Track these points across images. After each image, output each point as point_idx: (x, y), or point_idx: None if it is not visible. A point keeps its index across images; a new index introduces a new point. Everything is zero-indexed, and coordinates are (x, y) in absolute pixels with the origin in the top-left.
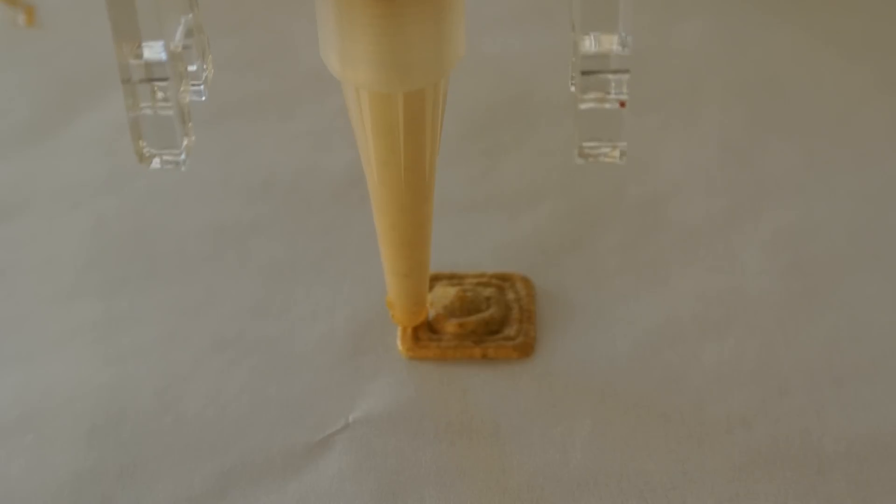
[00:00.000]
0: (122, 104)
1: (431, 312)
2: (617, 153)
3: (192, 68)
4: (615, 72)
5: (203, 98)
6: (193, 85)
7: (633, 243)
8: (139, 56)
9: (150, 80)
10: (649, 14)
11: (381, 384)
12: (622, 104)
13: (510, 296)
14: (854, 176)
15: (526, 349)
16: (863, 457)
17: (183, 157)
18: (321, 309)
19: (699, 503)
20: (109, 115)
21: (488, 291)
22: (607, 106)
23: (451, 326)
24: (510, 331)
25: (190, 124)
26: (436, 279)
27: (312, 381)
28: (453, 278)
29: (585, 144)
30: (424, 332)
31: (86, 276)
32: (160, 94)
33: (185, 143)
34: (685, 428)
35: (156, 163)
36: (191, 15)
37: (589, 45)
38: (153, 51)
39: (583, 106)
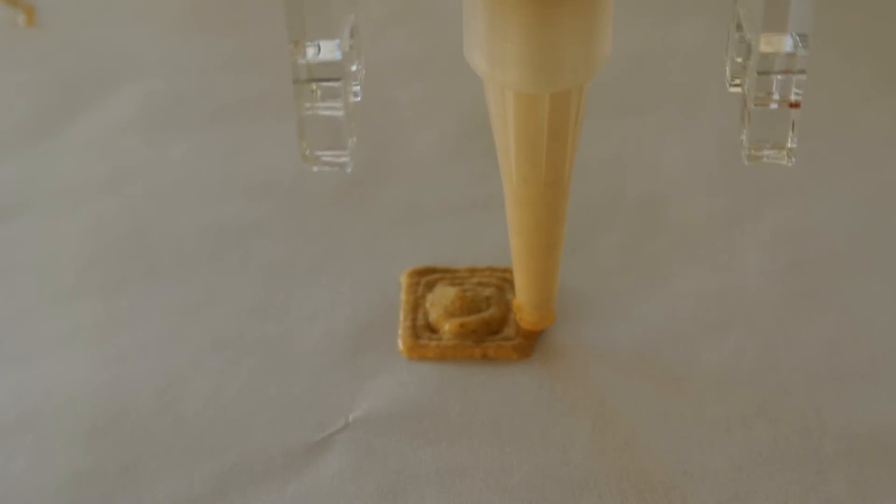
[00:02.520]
0: (122, 104)
1: (432, 315)
2: (784, 154)
3: (354, 69)
4: (793, 72)
5: (358, 98)
6: (355, 85)
7: (634, 243)
8: (314, 55)
9: (323, 79)
10: (650, 14)
11: (381, 384)
12: (796, 105)
13: (510, 296)
14: (854, 176)
15: (525, 350)
16: (863, 456)
17: (347, 158)
18: (321, 309)
19: (699, 503)
20: (109, 115)
21: (488, 291)
22: (778, 107)
23: (451, 326)
24: (510, 331)
25: (355, 124)
26: (437, 277)
27: (312, 381)
28: (461, 273)
29: (755, 145)
30: (425, 332)
31: (86, 276)
32: (319, 94)
33: (350, 142)
34: (685, 427)
35: (321, 164)
36: (352, 15)
37: (766, 45)
38: (328, 50)
39: (754, 106)
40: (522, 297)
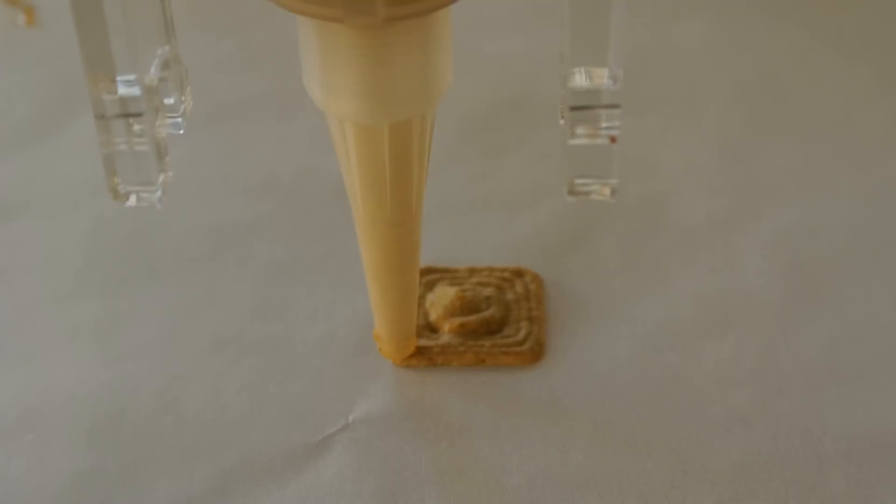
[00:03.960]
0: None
1: (432, 315)
2: (608, 190)
3: (169, 101)
4: (606, 107)
5: (181, 131)
6: (171, 117)
7: (633, 243)
8: (113, 91)
9: (126, 115)
10: (649, 14)
11: (381, 384)
12: (613, 140)
13: (510, 296)
14: (854, 176)
15: (536, 355)
16: (863, 456)
17: (159, 194)
18: (321, 309)
19: (699, 503)
20: None
21: (488, 291)
22: (598, 141)
23: (451, 326)
24: (510, 330)
25: (167, 159)
26: (436, 277)
27: (312, 381)
28: (460, 273)
29: (576, 181)
30: (425, 332)
31: (86, 276)
32: (137, 128)
33: (161, 178)
34: (685, 427)
35: (132, 200)
36: (167, 47)
37: (579, 79)
38: (127, 85)
39: (573, 142)
40: (382, 330)
